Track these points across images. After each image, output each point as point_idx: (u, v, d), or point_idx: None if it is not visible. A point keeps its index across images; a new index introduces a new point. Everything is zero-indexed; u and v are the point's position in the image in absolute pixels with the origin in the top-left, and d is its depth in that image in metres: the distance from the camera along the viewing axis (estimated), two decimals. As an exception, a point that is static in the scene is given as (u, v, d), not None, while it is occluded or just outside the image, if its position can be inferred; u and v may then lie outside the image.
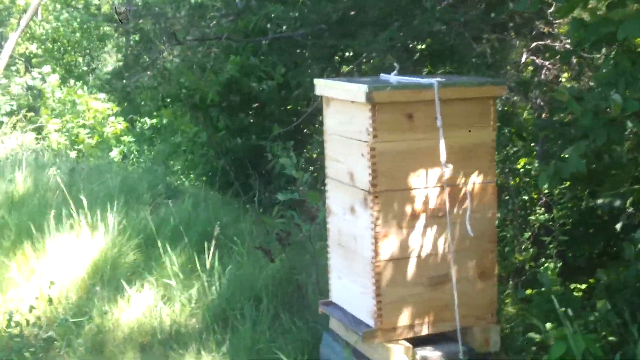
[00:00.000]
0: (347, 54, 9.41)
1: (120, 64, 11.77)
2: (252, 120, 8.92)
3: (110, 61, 25.81)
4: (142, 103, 8.40)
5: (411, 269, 3.87)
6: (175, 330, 4.93)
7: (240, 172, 8.59)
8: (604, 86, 3.92)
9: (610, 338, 4.21)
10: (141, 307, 5.13)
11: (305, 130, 9.36)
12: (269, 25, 7.79)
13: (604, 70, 4.15)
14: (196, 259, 5.42)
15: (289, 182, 8.73)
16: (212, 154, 8.32)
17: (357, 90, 3.70)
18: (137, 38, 7.00)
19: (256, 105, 8.93)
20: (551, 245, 5.67)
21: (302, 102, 8.85)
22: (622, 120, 3.82)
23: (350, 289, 4.09)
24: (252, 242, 5.71)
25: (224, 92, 8.35)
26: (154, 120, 16.65)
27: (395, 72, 4.08)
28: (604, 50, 4.51)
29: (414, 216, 3.83)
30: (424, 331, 3.95)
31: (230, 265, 5.29)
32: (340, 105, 3.96)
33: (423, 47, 6.85)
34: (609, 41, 4.12)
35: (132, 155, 16.30)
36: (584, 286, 5.78)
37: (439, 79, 3.82)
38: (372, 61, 8.35)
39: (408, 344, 3.84)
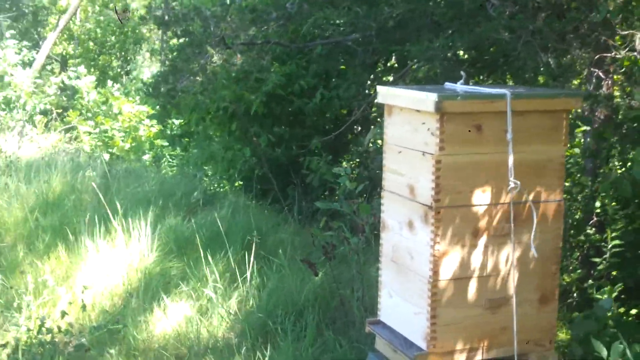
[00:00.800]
0: (389, 63, 9.24)
1: (164, 67, 11.64)
2: (292, 131, 8.75)
3: (145, 64, 25.85)
4: (186, 109, 8.25)
5: (470, 290, 3.64)
6: (212, 343, 4.72)
7: (278, 181, 8.42)
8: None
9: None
10: (178, 317, 4.92)
11: (345, 140, 9.18)
12: (315, 32, 7.62)
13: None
14: (236, 269, 5.21)
15: (330, 191, 8.55)
16: (252, 161, 8.14)
17: (425, 98, 3.48)
18: (186, 41, 6.84)
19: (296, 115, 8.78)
20: (600, 267, 5.42)
21: (342, 110, 8.68)
22: None
23: (402, 308, 3.86)
24: (294, 253, 5.49)
25: (266, 102, 8.20)
26: (182, 121, 16.56)
27: (462, 81, 3.86)
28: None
29: (476, 234, 3.60)
30: (479, 356, 3.71)
31: (271, 277, 5.07)
32: (404, 115, 3.74)
33: (473, 56, 6.63)
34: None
35: (164, 158, 16.23)
36: (634, 311, 5.53)
37: (510, 89, 3.59)
38: (417, 71, 8.16)
39: (462, 370, 3.61)
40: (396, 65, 8.86)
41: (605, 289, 4.60)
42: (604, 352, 3.41)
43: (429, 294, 3.59)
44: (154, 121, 17.73)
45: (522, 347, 3.71)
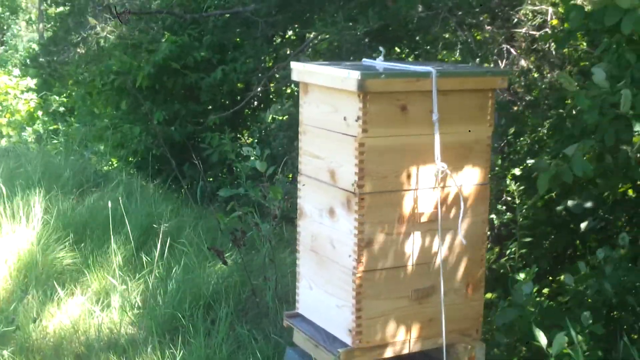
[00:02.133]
0: (287, 36, 8.94)
1: (42, 38, 11.00)
2: (186, 106, 8.34)
3: (22, 34, 24.70)
4: (70, 84, 7.72)
5: (396, 280, 3.44)
6: (114, 339, 4.35)
7: (174, 160, 8.01)
8: (610, 79, 3.56)
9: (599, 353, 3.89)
10: (75, 312, 4.53)
11: (242, 115, 8.84)
12: (212, 1, 7.24)
13: (603, 63, 3.79)
14: (140, 258, 4.83)
15: (230, 169, 8.21)
16: (148, 140, 7.70)
17: (346, 76, 3.23)
18: (67, 10, 6.32)
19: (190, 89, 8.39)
20: (512, 247, 5.35)
21: (239, 85, 8.34)
22: (629, 117, 3.48)
23: (323, 300, 3.63)
24: (197, 239, 5.16)
25: (157, 75, 7.74)
26: (65, 98, 15.85)
27: (380, 57, 3.62)
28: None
29: (402, 221, 3.39)
30: (406, 349, 3.53)
31: (177, 267, 4.73)
32: (322, 94, 3.47)
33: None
34: (611, 31, 3.79)
35: (45, 135, 15.49)
36: (546, 290, 5.50)
37: (434, 66, 3.38)
38: (317, 44, 7.90)
39: (389, 365, 3.41)
40: (294, 38, 8.57)
41: (523, 271, 4.48)
42: (544, 341, 3.27)
43: (353, 285, 3.37)
44: (34, 94, 16.94)
45: (449, 338, 3.54)
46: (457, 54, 5.03)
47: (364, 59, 3.73)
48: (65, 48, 6.24)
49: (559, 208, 5.13)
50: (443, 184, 3.41)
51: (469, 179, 3.49)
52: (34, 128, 15.73)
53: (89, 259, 5.12)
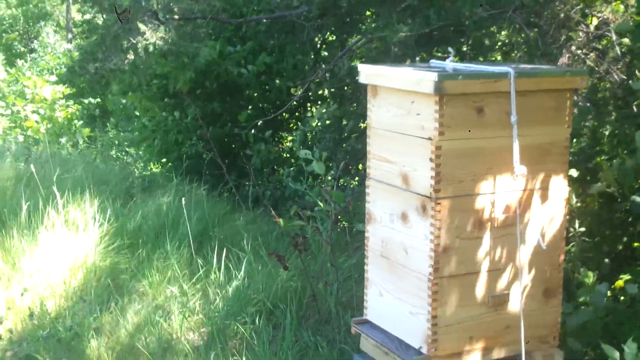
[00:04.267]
0: (328, 39, 8.86)
1: (81, 46, 10.99)
2: (226, 108, 8.29)
3: (50, 43, 24.90)
4: (118, 90, 7.69)
5: (473, 286, 3.35)
6: (176, 347, 4.30)
7: (213, 165, 7.96)
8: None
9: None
10: (134, 319, 4.48)
11: (281, 117, 8.78)
12: (254, 7, 7.19)
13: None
14: (197, 263, 4.77)
15: (272, 173, 8.15)
16: (199, 144, 7.66)
17: (422, 78, 3.14)
18: (112, 17, 6.30)
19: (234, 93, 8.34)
20: (573, 249, 5.23)
21: (283, 91, 8.27)
22: None
23: (395, 307, 3.54)
24: (254, 244, 5.09)
25: (199, 79, 7.69)
26: (99, 99, 15.88)
27: (450, 57, 3.53)
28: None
29: (479, 226, 3.30)
30: (481, 357, 3.44)
31: (236, 272, 4.66)
32: (393, 96, 3.39)
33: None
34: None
35: (83, 142, 15.57)
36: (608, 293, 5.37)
37: (510, 67, 3.29)
38: (361, 47, 7.82)
39: (466, 373, 3.32)
40: (334, 41, 8.48)
41: (587, 274, 4.37)
42: (616, 355, 3.16)
43: (429, 292, 3.29)
44: (70, 101, 17.07)
45: (526, 346, 3.44)
46: (515, 54, 4.94)
47: (431, 61, 3.64)
48: (113, 55, 6.21)
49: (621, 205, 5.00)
50: (521, 188, 3.32)
51: (548, 181, 3.39)
52: (70, 135, 15.83)
53: (145, 265, 5.07)
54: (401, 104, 3.34)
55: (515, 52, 4.78)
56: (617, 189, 5.11)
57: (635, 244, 5.68)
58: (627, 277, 5.11)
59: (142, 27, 6.06)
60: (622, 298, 5.14)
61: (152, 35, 5.97)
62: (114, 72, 6.36)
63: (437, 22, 4.76)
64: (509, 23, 4.33)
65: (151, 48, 5.94)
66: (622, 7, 4.71)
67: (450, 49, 3.63)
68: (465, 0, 4.37)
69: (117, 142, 13.41)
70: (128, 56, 6.09)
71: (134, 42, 5.91)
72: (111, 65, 6.37)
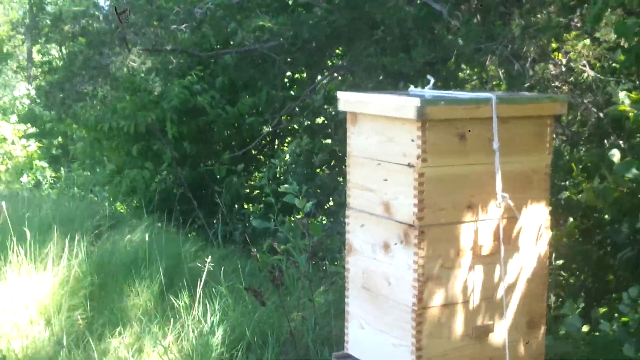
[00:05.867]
0: (296, 76, 8.85)
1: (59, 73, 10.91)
2: (198, 147, 8.23)
3: (10, 83, 24.78)
4: (84, 122, 7.58)
5: (458, 317, 3.27)
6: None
7: (185, 202, 7.88)
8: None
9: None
10: (106, 358, 4.33)
11: (250, 154, 8.72)
12: (226, 40, 7.15)
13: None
14: (172, 301, 4.64)
15: (240, 211, 8.07)
16: (168, 180, 7.57)
17: (403, 104, 3.10)
18: (82, 41, 6.22)
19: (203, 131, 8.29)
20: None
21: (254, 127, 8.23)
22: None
23: (377, 340, 3.45)
24: (227, 280, 4.98)
25: (176, 118, 7.64)
26: (60, 139, 15.74)
27: (429, 85, 3.51)
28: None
29: (462, 255, 3.23)
30: (465, 390, 3.35)
31: (212, 308, 4.53)
32: (373, 123, 3.34)
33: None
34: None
35: (45, 180, 15.40)
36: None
37: (492, 93, 3.26)
38: (329, 83, 7.81)
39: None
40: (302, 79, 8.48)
41: (571, 303, 4.33)
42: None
43: (413, 324, 3.20)
44: (32, 140, 16.93)
45: (510, 377, 3.37)
46: (491, 87, 4.94)
47: (410, 88, 3.60)
48: (80, 83, 6.10)
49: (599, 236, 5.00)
50: (504, 216, 3.27)
51: (529, 209, 3.35)
52: (31, 175, 15.64)
53: (116, 302, 4.92)
54: (382, 130, 3.29)
55: (492, 84, 4.78)
56: (598, 207, 5.10)
57: (610, 277, 5.68)
58: (603, 309, 5.10)
59: (116, 49, 5.97)
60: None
61: (125, 58, 5.88)
62: (81, 100, 6.24)
63: (425, 56, 4.74)
64: (499, 56, 4.33)
65: (125, 70, 5.85)
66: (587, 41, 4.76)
67: (429, 77, 3.59)
68: (465, 34, 4.34)
69: (81, 182, 13.26)
70: (99, 80, 5.98)
71: (105, 64, 5.81)
72: (81, 91, 6.25)
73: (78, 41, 6.45)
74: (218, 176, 7.65)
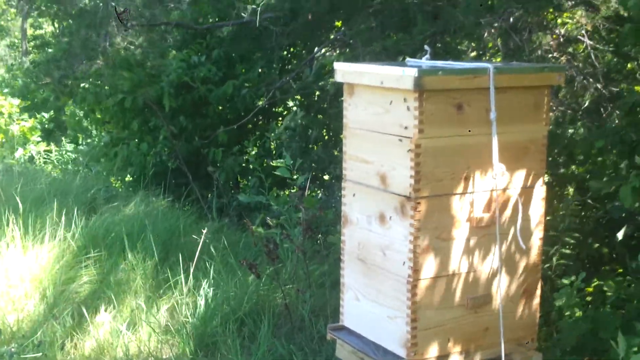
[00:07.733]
0: (292, 49, 8.79)
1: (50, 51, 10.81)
2: (194, 121, 8.19)
3: (6, 55, 24.68)
4: (82, 99, 7.52)
5: (453, 288, 3.27)
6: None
7: (181, 176, 7.86)
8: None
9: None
10: (100, 333, 4.32)
11: (246, 128, 8.68)
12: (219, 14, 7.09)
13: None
14: (168, 274, 4.63)
15: (235, 185, 8.05)
16: (162, 154, 7.54)
17: (401, 74, 3.07)
18: (80, 21, 6.15)
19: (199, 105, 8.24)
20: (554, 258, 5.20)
21: (247, 100, 8.17)
22: None
23: (372, 312, 3.45)
24: (223, 253, 4.97)
25: (173, 92, 7.59)
26: (52, 113, 15.69)
27: (427, 56, 3.47)
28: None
29: (458, 226, 3.23)
30: (461, 361, 3.36)
31: (205, 282, 4.53)
32: (370, 94, 3.31)
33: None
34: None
35: (39, 156, 15.36)
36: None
37: (492, 63, 3.24)
38: (326, 54, 7.77)
39: (445, 378, 3.24)
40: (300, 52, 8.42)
41: (566, 277, 4.34)
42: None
43: (409, 295, 3.20)
44: (25, 114, 16.89)
45: (505, 348, 3.36)
46: (487, 57, 4.91)
47: (408, 59, 3.58)
48: (79, 61, 6.05)
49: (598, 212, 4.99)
50: (500, 187, 3.26)
51: (526, 180, 3.34)
52: (26, 149, 15.60)
53: (111, 277, 4.91)
54: (379, 101, 3.26)
55: (489, 55, 4.75)
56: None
57: (605, 250, 5.69)
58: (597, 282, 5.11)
59: (111, 30, 5.92)
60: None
61: (123, 39, 5.84)
62: (79, 81, 6.20)
63: (425, 30, 4.69)
64: (499, 28, 4.29)
65: (122, 52, 5.81)
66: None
67: (427, 47, 3.56)
68: (466, 7, 4.29)
69: (75, 157, 13.22)
70: (98, 61, 5.94)
71: (104, 45, 5.76)
72: (78, 73, 6.22)
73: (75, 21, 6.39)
74: (213, 160, 7.62)
